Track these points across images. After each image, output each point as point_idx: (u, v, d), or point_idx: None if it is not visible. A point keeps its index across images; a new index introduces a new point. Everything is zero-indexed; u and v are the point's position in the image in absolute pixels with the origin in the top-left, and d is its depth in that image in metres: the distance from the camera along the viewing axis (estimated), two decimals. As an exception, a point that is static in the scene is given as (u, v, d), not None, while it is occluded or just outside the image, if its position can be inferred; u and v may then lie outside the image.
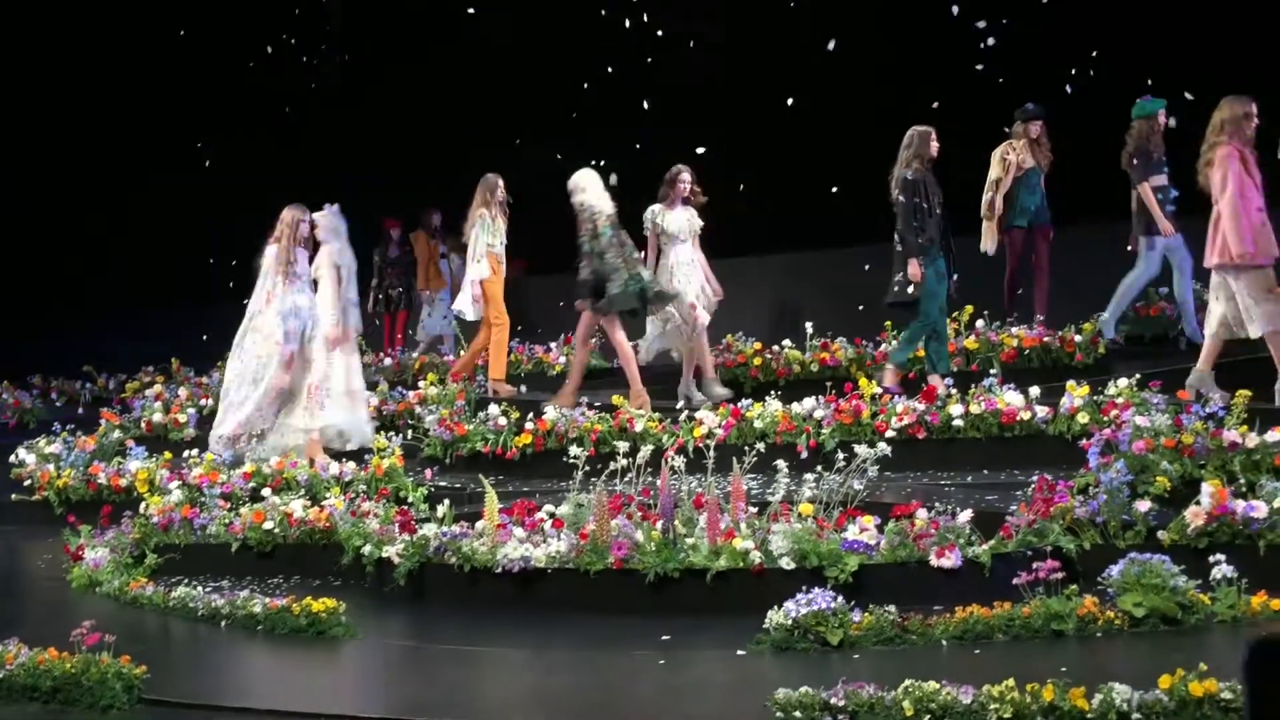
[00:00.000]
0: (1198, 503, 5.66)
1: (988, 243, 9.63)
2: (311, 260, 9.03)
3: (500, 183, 9.85)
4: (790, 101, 9.56)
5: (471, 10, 11.33)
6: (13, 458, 9.84)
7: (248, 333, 8.83)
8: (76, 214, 13.86)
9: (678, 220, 9.36)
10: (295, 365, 8.73)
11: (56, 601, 7.07)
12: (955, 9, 9.56)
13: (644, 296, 8.97)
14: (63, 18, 13.36)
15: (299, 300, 8.82)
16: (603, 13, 10.78)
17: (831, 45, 9.90)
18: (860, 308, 9.71)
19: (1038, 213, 9.62)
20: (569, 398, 9.11)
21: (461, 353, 10.93)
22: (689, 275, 9.32)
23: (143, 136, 13.46)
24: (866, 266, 9.94)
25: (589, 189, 9.08)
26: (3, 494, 9.63)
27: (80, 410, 12.41)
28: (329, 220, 9.13)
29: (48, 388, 13.25)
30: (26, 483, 9.55)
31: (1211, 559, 5.20)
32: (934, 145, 8.51)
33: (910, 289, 8.41)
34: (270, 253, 8.85)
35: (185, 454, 9.20)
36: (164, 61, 13.17)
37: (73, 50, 13.41)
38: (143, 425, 10.63)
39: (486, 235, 9.71)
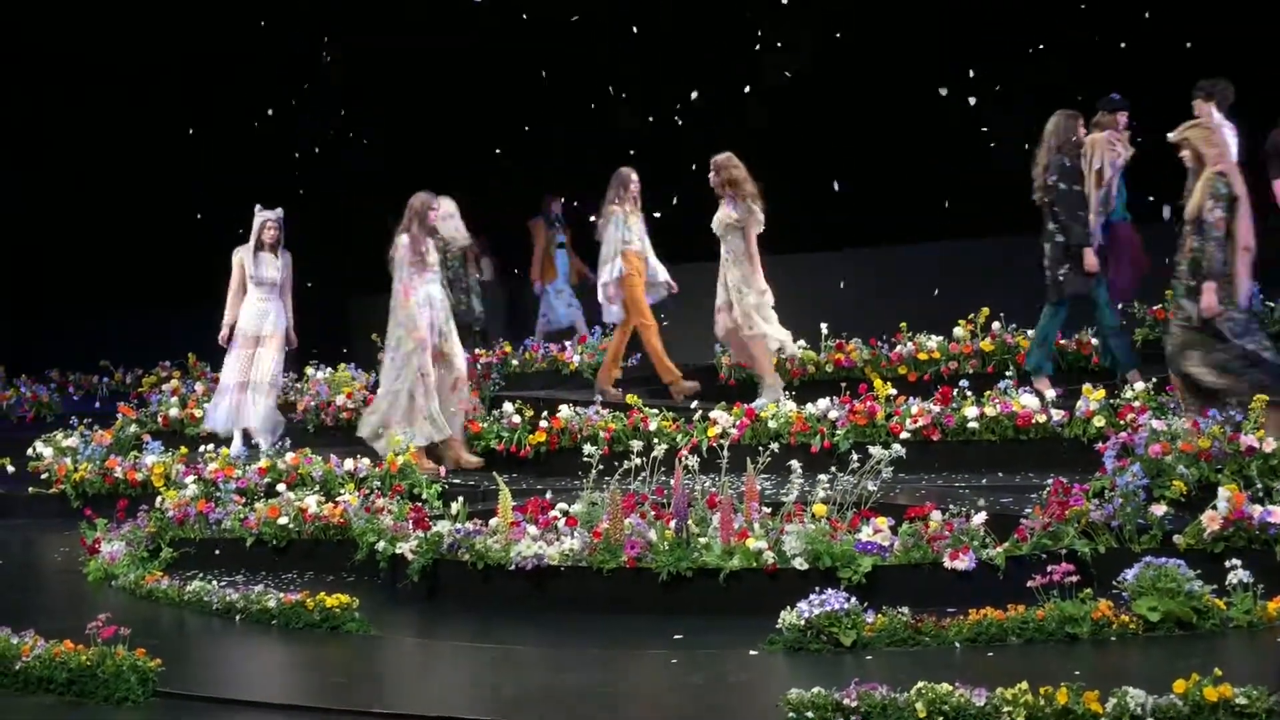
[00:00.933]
0: (1214, 507, 5.63)
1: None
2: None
3: (634, 176, 9.41)
4: (836, 186, 9.44)
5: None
6: (30, 451, 9.89)
7: (393, 328, 8.61)
8: (96, 210, 13.93)
9: (715, 220, 8.99)
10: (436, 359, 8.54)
11: (72, 594, 7.10)
12: (944, 90, 9.52)
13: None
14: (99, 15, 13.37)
15: (432, 290, 8.59)
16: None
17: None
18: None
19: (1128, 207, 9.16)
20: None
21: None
22: (722, 278, 8.93)
23: (160, 132, 13.51)
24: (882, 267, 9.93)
25: (452, 217, 9.18)
26: (20, 487, 9.68)
27: (97, 404, 12.48)
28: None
29: (65, 382, 13.32)
30: (43, 476, 9.60)
31: (1227, 564, 5.17)
32: (1081, 129, 8.16)
33: (1079, 279, 7.97)
34: (402, 243, 8.57)
35: (201, 449, 9.25)
36: (183, 55, 13.21)
37: (104, 46, 13.44)
38: (159, 420, 10.69)
39: (620, 232, 9.29)
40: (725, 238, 8.91)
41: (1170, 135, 7.05)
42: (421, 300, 8.53)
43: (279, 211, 9.43)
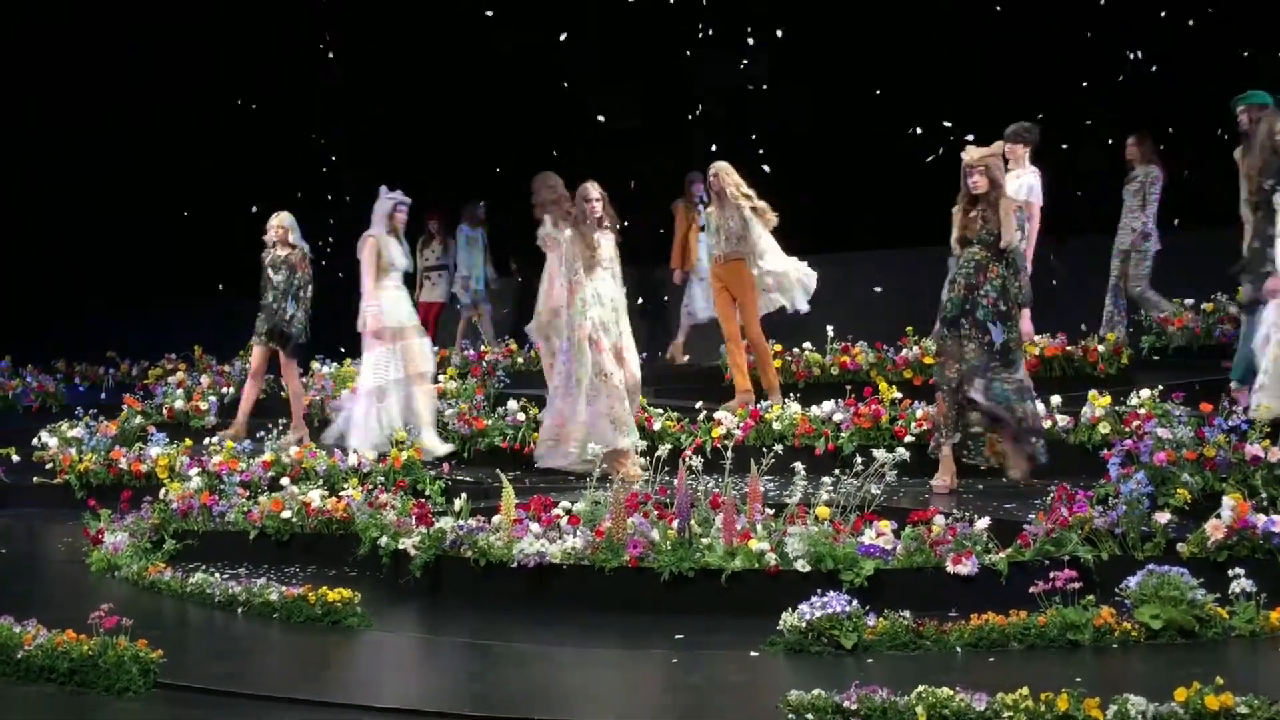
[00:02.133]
0: (1218, 516, 5.63)
1: None
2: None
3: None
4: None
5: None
6: (35, 440, 9.91)
7: (558, 330, 8.20)
8: (105, 202, 13.96)
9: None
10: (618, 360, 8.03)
11: (75, 584, 7.11)
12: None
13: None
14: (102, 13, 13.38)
15: (601, 288, 8.08)
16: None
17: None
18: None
19: None
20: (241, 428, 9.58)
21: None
22: None
23: (170, 129, 13.53)
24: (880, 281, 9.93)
25: (296, 230, 9.36)
26: (24, 476, 9.70)
27: (103, 395, 12.50)
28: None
29: (71, 372, 13.35)
30: (48, 466, 9.62)
31: (1231, 573, 5.18)
32: None
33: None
34: (567, 238, 8.13)
35: (206, 441, 9.27)
36: (199, 50, 13.23)
37: (98, 42, 13.47)
38: (164, 412, 10.70)
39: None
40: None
41: (969, 157, 7.14)
42: (589, 297, 8.04)
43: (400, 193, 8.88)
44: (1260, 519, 5.55)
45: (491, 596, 6.24)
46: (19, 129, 13.56)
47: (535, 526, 6.41)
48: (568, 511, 6.61)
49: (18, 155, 13.58)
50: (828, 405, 8.31)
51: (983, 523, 5.83)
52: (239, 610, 6.18)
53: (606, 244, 8.15)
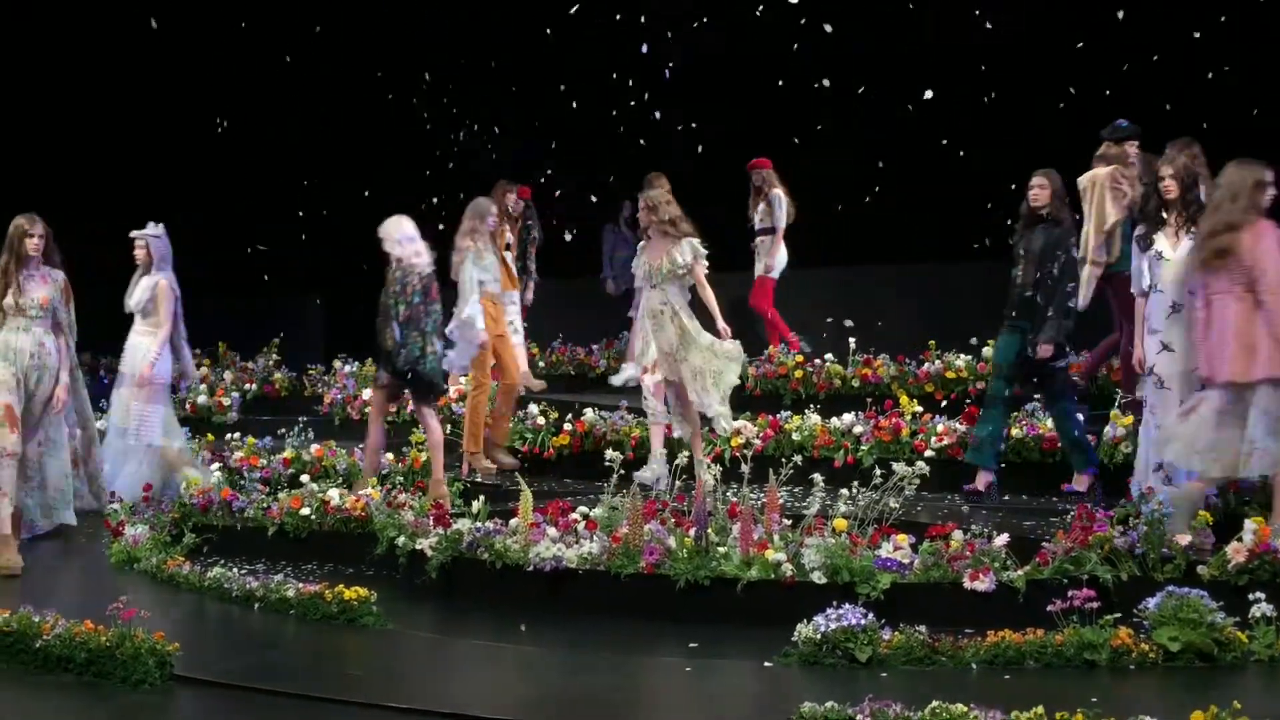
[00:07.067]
0: (1239, 539, 5.58)
1: (1085, 294, 7.68)
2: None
3: (493, 209, 8.73)
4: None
5: None
6: (59, 432, 9.96)
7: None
8: (132, 198, 14.05)
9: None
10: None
11: (94, 575, 7.16)
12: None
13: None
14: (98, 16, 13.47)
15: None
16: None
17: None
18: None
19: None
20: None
21: None
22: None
23: (195, 125, 13.62)
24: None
25: (412, 240, 7.82)
26: (48, 467, 9.75)
27: (126, 389, 12.55)
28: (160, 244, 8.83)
29: (96, 365, 13.42)
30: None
31: (1251, 597, 5.14)
32: None
33: None
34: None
35: (227, 437, 9.31)
36: (219, 49, 13.32)
37: (135, 41, 13.58)
38: (187, 406, 10.77)
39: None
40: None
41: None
42: None
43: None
44: (1282, 543, 5.51)
45: (506, 599, 6.24)
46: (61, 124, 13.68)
47: (552, 531, 6.42)
48: (585, 516, 6.62)
49: (54, 147, 13.69)
50: (848, 417, 8.29)
51: (1001, 539, 5.80)
52: (256, 605, 6.20)
53: None
